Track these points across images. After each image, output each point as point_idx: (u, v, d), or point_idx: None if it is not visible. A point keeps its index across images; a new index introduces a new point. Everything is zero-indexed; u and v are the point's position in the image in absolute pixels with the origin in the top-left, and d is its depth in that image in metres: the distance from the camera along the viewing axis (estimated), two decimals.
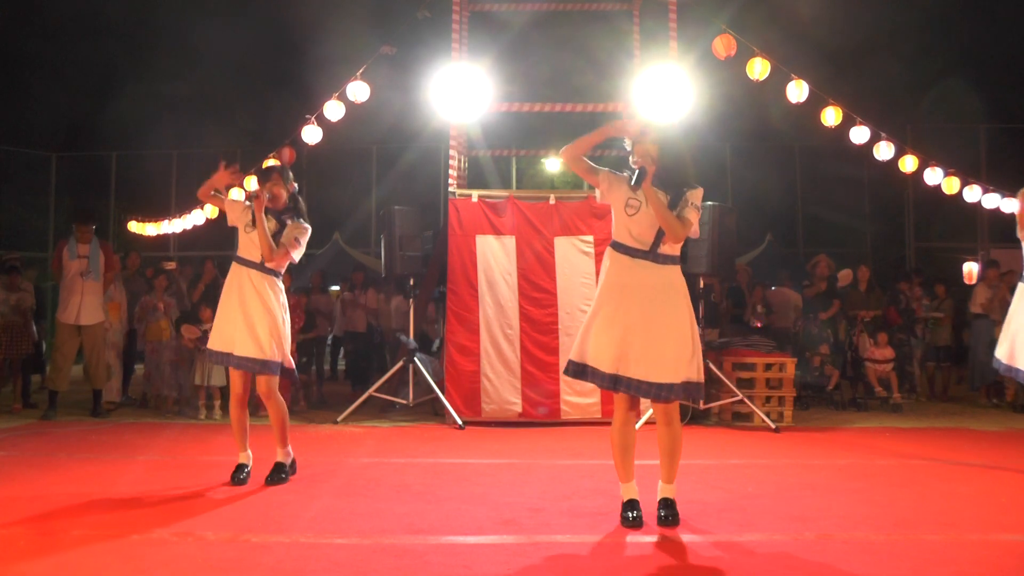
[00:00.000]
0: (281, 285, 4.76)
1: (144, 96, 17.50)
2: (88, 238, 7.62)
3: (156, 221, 13.29)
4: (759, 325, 8.70)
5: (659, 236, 3.77)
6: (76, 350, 7.68)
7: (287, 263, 4.76)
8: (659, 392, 3.65)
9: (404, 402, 7.66)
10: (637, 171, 3.71)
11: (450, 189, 7.71)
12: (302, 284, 10.18)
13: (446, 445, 6.23)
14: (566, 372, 3.91)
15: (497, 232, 7.49)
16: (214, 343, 4.67)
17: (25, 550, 3.36)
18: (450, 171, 7.89)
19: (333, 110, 8.27)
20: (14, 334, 8.02)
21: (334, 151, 15.66)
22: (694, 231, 3.85)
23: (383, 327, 9.90)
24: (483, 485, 4.69)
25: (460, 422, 7.07)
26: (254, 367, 4.58)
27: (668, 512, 3.78)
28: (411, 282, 7.85)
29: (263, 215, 4.59)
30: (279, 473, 4.68)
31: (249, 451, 4.78)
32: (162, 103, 18.21)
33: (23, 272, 8.51)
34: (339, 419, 7.27)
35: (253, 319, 4.58)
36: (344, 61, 10.19)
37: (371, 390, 7.58)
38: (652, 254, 3.77)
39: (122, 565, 3.17)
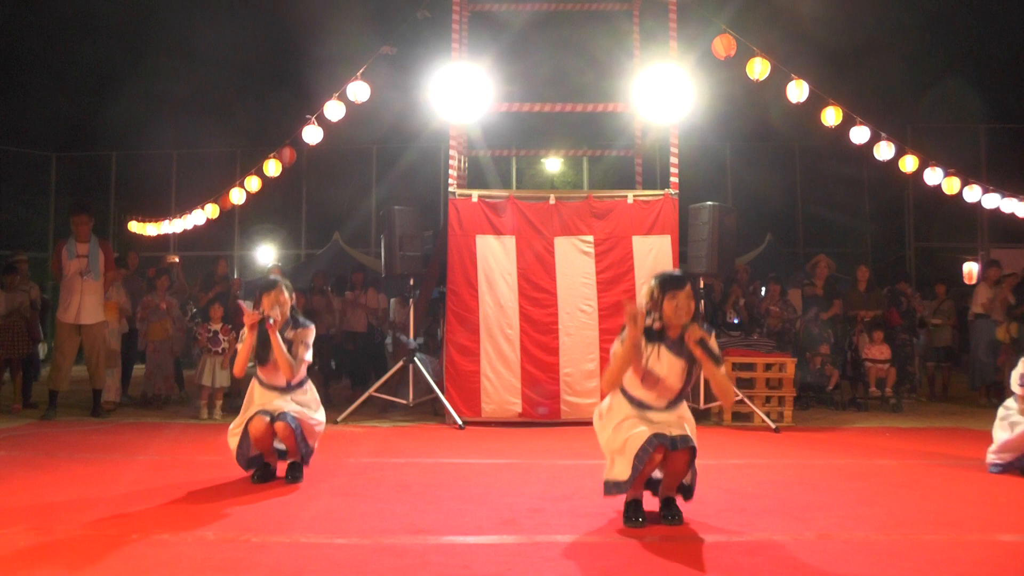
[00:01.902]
0: (311, 385, 4.83)
1: (144, 96, 17.49)
2: (86, 234, 7.59)
3: (156, 221, 13.29)
4: (735, 321, 8.65)
5: (677, 398, 3.76)
6: (76, 350, 7.68)
7: (305, 370, 4.77)
8: (684, 441, 3.65)
9: (404, 402, 7.66)
10: (703, 345, 3.60)
11: (450, 189, 7.71)
12: (303, 284, 10.18)
13: (446, 445, 6.23)
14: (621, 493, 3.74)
15: (497, 232, 7.49)
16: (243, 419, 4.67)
17: (25, 550, 3.36)
18: (450, 171, 7.90)
19: (333, 110, 8.28)
20: (14, 334, 8.02)
21: (334, 151, 15.67)
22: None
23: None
24: (483, 485, 4.69)
25: (460, 422, 7.07)
26: (291, 421, 4.61)
27: (671, 511, 3.83)
28: (411, 282, 7.85)
29: (278, 338, 4.54)
30: (297, 471, 4.73)
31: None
32: (162, 103, 18.20)
33: (19, 272, 8.50)
34: (339, 419, 7.27)
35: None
36: (344, 61, 10.20)
37: (371, 390, 7.58)
38: (668, 408, 3.77)
39: (122, 565, 3.17)
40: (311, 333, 4.74)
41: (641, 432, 3.64)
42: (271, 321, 4.55)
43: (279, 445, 4.76)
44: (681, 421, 3.79)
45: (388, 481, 4.78)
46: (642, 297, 3.83)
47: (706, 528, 3.76)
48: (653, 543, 3.53)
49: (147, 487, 4.54)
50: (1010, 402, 5.19)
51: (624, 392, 3.80)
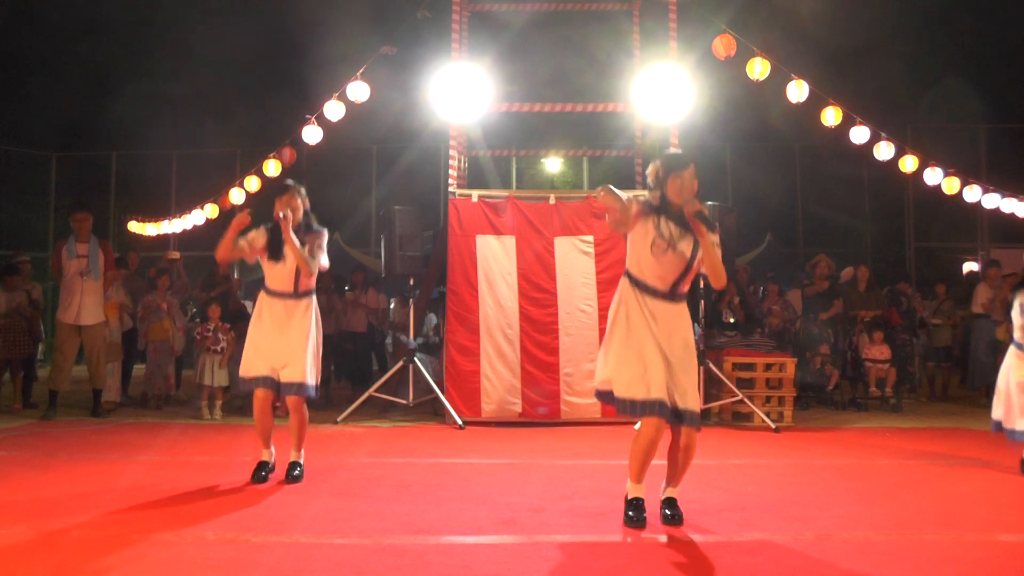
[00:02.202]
0: (315, 302, 4.80)
1: (144, 96, 17.47)
2: (86, 233, 7.58)
3: (156, 221, 13.30)
4: (731, 321, 8.64)
5: (680, 279, 3.75)
6: (76, 350, 7.67)
7: (315, 279, 4.79)
8: (693, 419, 3.70)
9: (404, 402, 7.66)
10: (699, 217, 3.61)
11: (450, 189, 7.71)
12: None
13: (446, 445, 6.23)
14: (613, 405, 3.80)
15: (497, 232, 7.49)
16: (249, 370, 4.66)
17: (25, 550, 3.36)
18: (450, 171, 7.89)
19: (333, 110, 8.28)
20: (16, 334, 8.03)
21: (334, 151, 15.66)
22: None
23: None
24: (483, 485, 4.69)
25: (460, 422, 7.06)
26: (298, 391, 4.64)
27: (673, 511, 3.81)
28: (411, 282, 7.85)
29: (291, 234, 4.56)
30: (295, 470, 4.75)
31: (272, 448, 4.83)
32: (162, 103, 18.20)
33: (21, 272, 8.51)
34: (339, 419, 7.27)
35: (296, 347, 4.62)
36: (344, 61, 10.19)
37: (371, 390, 7.58)
38: (670, 295, 3.77)
39: (122, 565, 3.17)
40: (324, 236, 4.78)
41: (644, 374, 3.64)
42: (283, 216, 4.55)
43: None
44: (687, 348, 3.74)
45: (388, 481, 4.78)
46: (648, 176, 3.85)
47: (706, 528, 3.76)
48: (653, 543, 3.53)
49: (147, 487, 4.53)
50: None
51: (630, 276, 3.79)
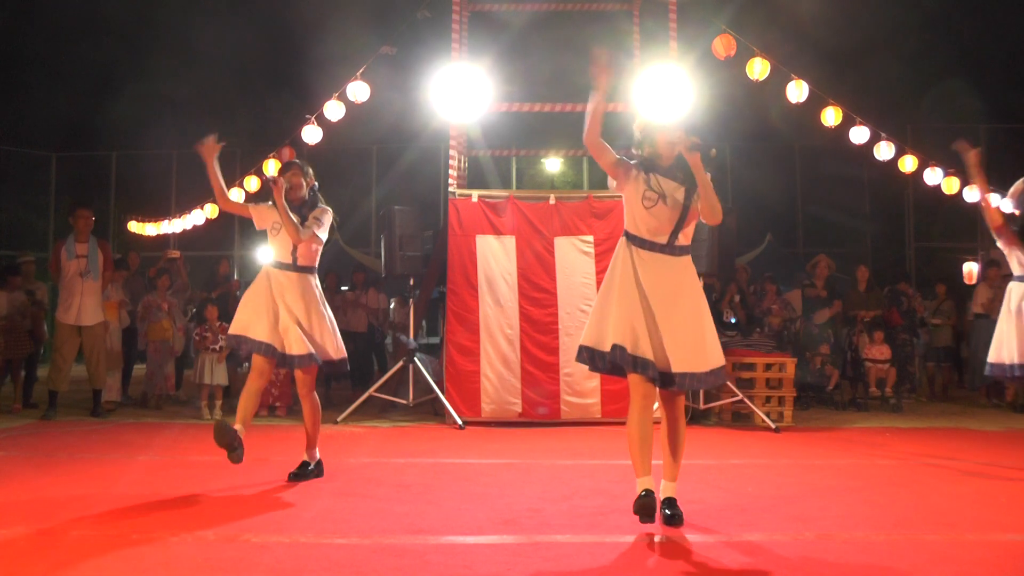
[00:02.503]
0: (317, 282, 4.78)
1: (144, 96, 17.48)
2: (86, 232, 7.57)
3: (156, 221, 13.29)
4: (732, 320, 8.64)
5: (677, 229, 3.71)
6: (76, 350, 7.67)
7: (317, 254, 4.77)
8: (683, 381, 3.61)
9: (404, 402, 7.66)
10: (694, 150, 3.60)
11: (450, 189, 7.71)
12: None
13: (446, 445, 6.23)
14: (580, 359, 3.76)
15: (497, 232, 7.49)
16: (247, 328, 4.61)
17: (25, 550, 3.36)
18: (450, 171, 7.89)
19: (333, 110, 8.28)
20: (17, 335, 8.03)
21: (334, 151, 15.66)
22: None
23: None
24: (483, 485, 4.69)
25: (460, 422, 7.07)
26: (308, 362, 4.60)
27: (673, 511, 3.70)
28: (411, 282, 7.85)
29: (283, 199, 4.58)
30: (305, 468, 4.75)
31: (240, 426, 4.46)
32: (162, 103, 18.21)
33: (24, 272, 8.51)
34: (339, 419, 7.27)
35: (301, 320, 4.62)
36: (344, 61, 10.20)
37: (371, 390, 7.58)
38: (669, 247, 3.72)
39: (122, 565, 3.17)
40: (328, 214, 4.77)
41: (628, 328, 3.60)
42: (273, 181, 4.63)
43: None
44: (696, 313, 3.69)
45: (388, 481, 4.78)
46: (635, 131, 3.91)
47: (706, 528, 3.75)
48: (653, 543, 3.53)
49: (147, 487, 4.54)
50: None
51: (627, 235, 3.79)
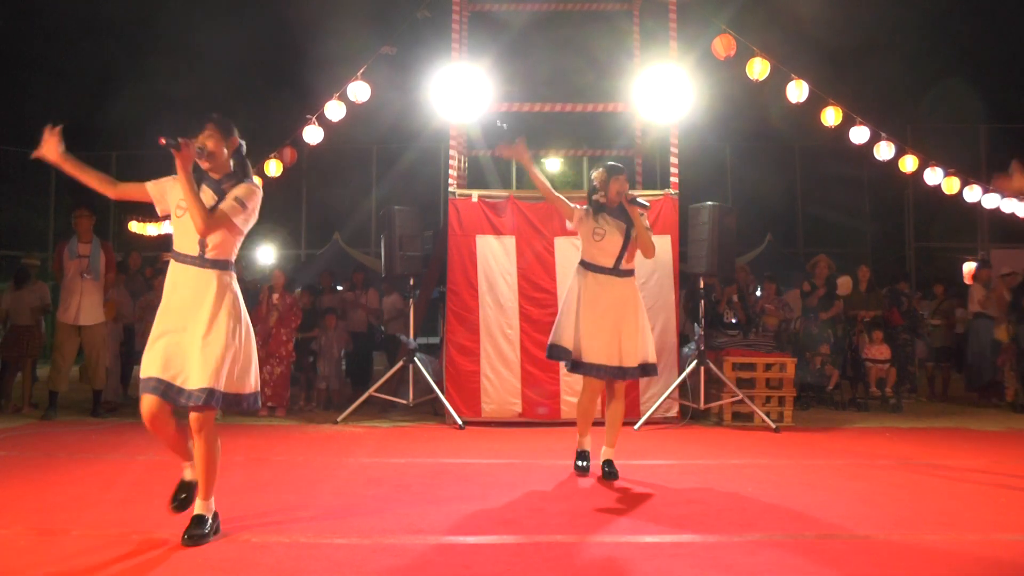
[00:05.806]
0: (233, 281, 3.51)
1: (144, 96, 17.49)
2: (88, 232, 7.57)
3: (156, 221, 13.28)
4: (733, 320, 8.62)
5: (620, 256, 4.85)
6: (76, 350, 7.66)
7: (235, 245, 3.54)
8: (622, 373, 4.82)
9: (404, 402, 7.66)
10: (633, 201, 4.84)
11: (450, 189, 7.71)
12: (310, 284, 10.16)
13: (446, 445, 6.23)
14: (551, 356, 4.96)
15: (497, 232, 7.49)
16: (149, 368, 3.40)
17: (25, 550, 3.36)
18: (450, 171, 7.89)
19: (333, 110, 8.28)
20: (32, 336, 8.07)
21: (334, 151, 15.66)
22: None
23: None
24: (483, 485, 4.69)
25: (460, 422, 7.07)
26: (199, 400, 3.34)
27: (610, 469, 4.83)
28: (411, 282, 7.84)
29: (189, 171, 3.39)
30: (200, 527, 3.43)
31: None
32: (162, 103, 18.20)
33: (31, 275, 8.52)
34: (339, 419, 7.27)
35: (199, 336, 3.36)
36: (344, 61, 10.20)
37: (371, 390, 7.58)
38: (615, 270, 4.86)
39: (122, 565, 3.17)
40: (253, 194, 3.53)
41: (597, 343, 4.77)
42: (176, 146, 3.38)
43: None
44: (635, 313, 4.87)
45: (388, 481, 4.78)
46: (594, 180, 5.00)
47: (706, 528, 3.76)
48: (652, 543, 3.53)
49: (147, 487, 4.53)
50: None
51: (582, 263, 4.93)
